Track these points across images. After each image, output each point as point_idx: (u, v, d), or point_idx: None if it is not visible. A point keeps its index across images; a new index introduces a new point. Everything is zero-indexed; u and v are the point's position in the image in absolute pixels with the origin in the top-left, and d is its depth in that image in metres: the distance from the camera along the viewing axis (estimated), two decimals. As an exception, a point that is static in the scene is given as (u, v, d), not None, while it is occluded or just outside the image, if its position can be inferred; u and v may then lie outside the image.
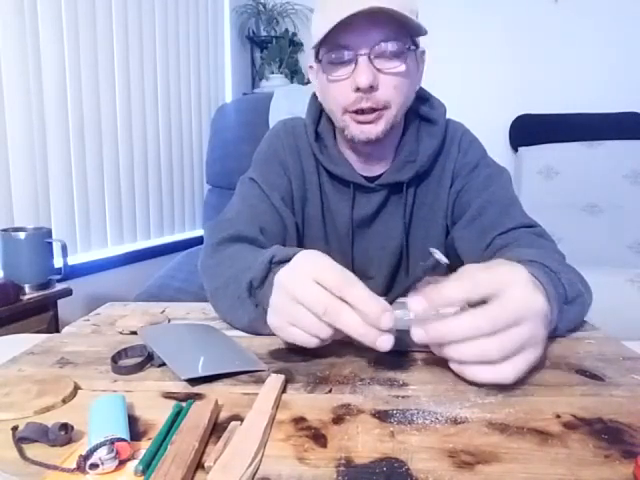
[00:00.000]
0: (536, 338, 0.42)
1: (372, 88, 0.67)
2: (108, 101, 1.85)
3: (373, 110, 0.69)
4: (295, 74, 2.62)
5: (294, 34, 2.68)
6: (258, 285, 0.55)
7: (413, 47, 0.70)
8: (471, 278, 0.42)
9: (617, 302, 1.43)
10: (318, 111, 0.83)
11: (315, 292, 0.43)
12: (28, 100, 1.53)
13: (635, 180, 2.05)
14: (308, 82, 2.54)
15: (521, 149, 2.28)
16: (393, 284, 0.84)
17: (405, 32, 0.68)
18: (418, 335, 0.43)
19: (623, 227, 2.02)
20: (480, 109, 2.28)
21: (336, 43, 0.67)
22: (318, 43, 0.69)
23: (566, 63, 2.39)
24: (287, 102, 1.95)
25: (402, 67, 0.68)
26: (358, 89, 0.67)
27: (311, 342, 0.45)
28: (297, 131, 0.85)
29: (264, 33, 2.68)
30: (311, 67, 0.78)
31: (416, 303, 0.42)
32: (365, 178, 0.79)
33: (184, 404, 0.39)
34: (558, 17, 2.37)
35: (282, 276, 0.47)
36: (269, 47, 2.62)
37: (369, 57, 0.66)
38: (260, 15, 2.67)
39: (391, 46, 0.67)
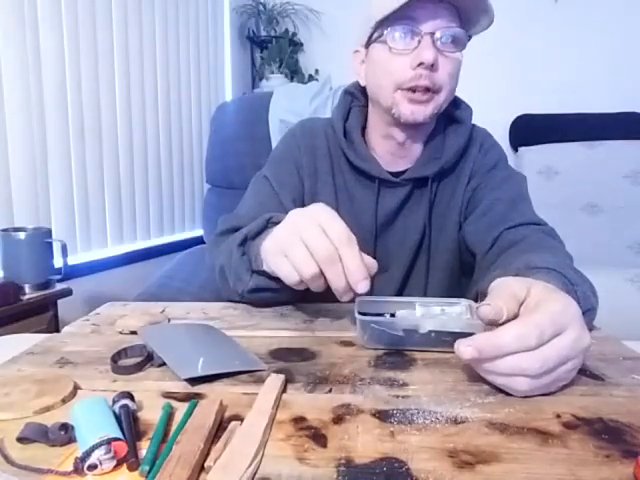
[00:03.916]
0: (575, 371, 0.43)
1: (433, 67, 0.69)
2: (108, 101, 1.85)
3: (427, 90, 0.71)
4: (295, 74, 2.62)
5: (294, 34, 2.68)
6: (252, 237, 0.64)
7: (469, 37, 0.72)
8: (528, 325, 0.40)
9: (617, 302, 1.42)
10: (347, 108, 0.85)
11: (320, 237, 0.47)
12: (28, 100, 1.53)
13: (635, 180, 2.05)
14: (308, 82, 2.54)
15: (521, 149, 2.28)
16: (409, 279, 0.84)
17: (463, 24, 0.70)
18: (468, 353, 0.40)
19: (623, 227, 2.02)
20: (480, 109, 2.27)
21: (405, 16, 0.69)
22: (380, 20, 0.70)
23: (566, 63, 2.39)
24: (287, 101, 1.95)
25: (459, 55, 0.72)
26: (419, 64, 0.69)
27: (292, 276, 0.50)
28: (315, 131, 0.86)
29: (264, 33, 2.68)
30: (357, 51, 0.79)
31: (465, 351, 0.41)
32: (391, 174, 0.81)
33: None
34: (558, 17, 2.37)
35: (294, 214, 0.52)
36: (269, 47, 2.62)
37: (433, 37, 0.68)
38: (260, 15, 2.67)
39: (455, 32, 0.70)
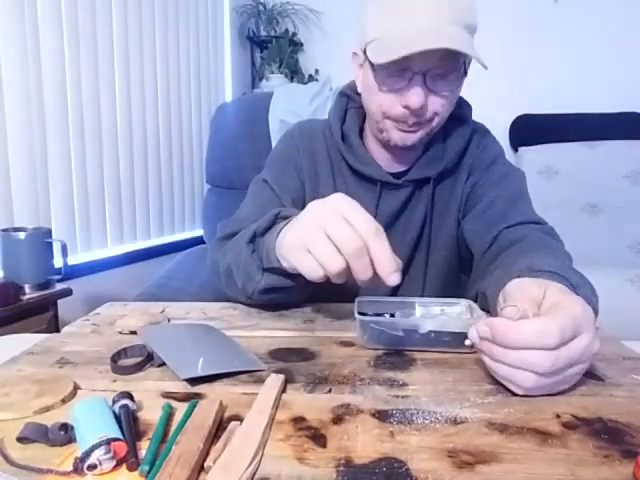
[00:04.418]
0: (580, 376, 0.43)
1: (421, 108, 0.67)
2: (108, 101, 1.85)
3: (416, 123, 0.70)
4: (295, 74, 2.62)
5: (294, 34, 2.68)
6: (260, 233, 0.62)
7: (465, 71, 0.69)
8: (550, 324, 0.39)
9: (617, 302, 1.42)
10: (343, 110, 0.83)
11: (346, 229, 0.45)
12: (28, 100, 1.53)
13: (635, 180, 2.05)
14: (308, 82, 2.54)
15: (521, 149, 2.28)
16: (406, 275, 0.84)
17: (462, 58, 0.67)
18: (483, 331, 0.42)
19: (623, 227, 2.02)
20: (480, 109, 2.28)
21: None
22: (373, 41, 0.67)
23: (566, 63, 2.39)
24: (287, 101, 1.95)
25: (453, 92, 0.70)
26: (407, 107, 0.67)
27: (316, 272, 0.47)
28: (313, 133, 0.85)
29: (264, 33, 2.68)
30: (355, 54, 0.76)
31: (481, 330, 0.42)
32: (391, 175, 0.80)
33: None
34: (558, 17, 2.36)
35: (314, 206, 0.50)
36: (269, 47, 2.62)
37: (424, 77, 0.66)
38: (260, 15, 2.67)
39: (447, 70, 0.67)
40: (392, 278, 0.46)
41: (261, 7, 2.66)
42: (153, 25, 2.06)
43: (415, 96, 0.66)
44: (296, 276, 0.55)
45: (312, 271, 0.48)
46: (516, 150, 2.33)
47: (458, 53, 0.64)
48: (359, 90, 0.78)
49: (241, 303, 0.71)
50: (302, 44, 2.71)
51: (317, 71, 2.67)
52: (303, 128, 0.87)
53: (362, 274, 0.46)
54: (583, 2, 2.33)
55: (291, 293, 0.64)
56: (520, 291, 0.46)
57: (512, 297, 0.46)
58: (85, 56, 1.73)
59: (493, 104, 2.40)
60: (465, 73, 0.69)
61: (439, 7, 0.64)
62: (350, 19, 2.56)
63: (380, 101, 0.70)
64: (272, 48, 2.59)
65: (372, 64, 0.68)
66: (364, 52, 0.71)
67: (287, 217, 0.59)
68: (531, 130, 2.32)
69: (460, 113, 0.80)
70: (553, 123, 2.29)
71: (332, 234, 0.46)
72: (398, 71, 0.66)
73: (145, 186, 2.08)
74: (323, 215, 0.47)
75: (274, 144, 0.91)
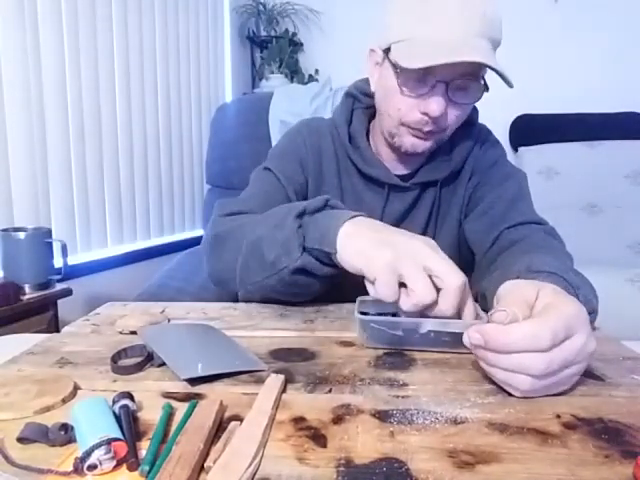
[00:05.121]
0: (577, 377, 0.43)
1: (440, 117, 0.68)
2: (108, 101, 1.85)
3: (431, 132, 0.71)
4: (295, 74, 2.62)
5: (294, 34, 2.68)
6: (311, 212, 0.60)
7: (484, 83, 0.69)
8: (542, 326, 0.39)
9: (617, 302, 1.42)
10: (350, 111, 0.83)
11: (450, 264, 0.48)
12: (28, 100, 1.53)
13: (635, 180, 2.05)
14: (308, 82, 2.54)
15: (521, 149, 2.28)
16: None
17: (483, 72, 0.67)
18: (475, 339, 0.42)
19: (623, 227, 2.02)
20: (480, 109, 2.28)
21: None
22: (400, 42, 0.67)
23: (566, 63, 2.39)
24: (287, 102, 1.95)
25: (470, 105, 0.71)
26: (426, 113, 0.67)
27: (394, 297, 0.48)
28: (321, 132, 0.84)
29: (264, 33, 2.68)
30: (373, 51, 0.74)
31: (473, 337, 0.42)
32: (398, 176, 0.80)
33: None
34: (558, 17, 2.36)
35: (402, 232, 0.52)
36: (269, 47, 2.62)
37: (447, 86, 0.66)
38: (260, 15, 2.67)
39: (469, 82, 0.67)
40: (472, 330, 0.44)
41: (261, 7, 2.66)
42: (153, 25, 2.06)
43: (436, 104, 0.66)
44: (331, 265, 0.57)
45: (391, 295, 0.48)
46: (516, 150, 2.33)
47: (481, 67, 0.64)
48: (372, 89, 0.77)
49: (236, 300, 0.71)
50: (302, 44, 2.71)
51: (317, 71, 2.67)
52: (311, 126, 0.86)
53: (449, 310, 0.47)
54: (583, 2, 2.33)
55: (316, 283, 0.62)
56: (513, 293, 0.46)
57: (505, 299, 0.46)
58: (85, 56, 1.73)
59: (493, 104, 2.39)
60: (487, 88, 0.69)
61: (471, 18, 0.63)
62: (350, 19, 2.56)
63: (399, 105, 0.70)
64: (272, 48, 2.59)
65: (395, 65, 0.68)
66: (384, 51, 0.70)
67: (336, 207, 0.61)
68: (531, 130, 2.32)
69: (469, 117, 0.80)
70: (553, 123, 2.29)
71: (434, 267, 0.47)
72: (422, 76, 0.66)
73: (145, 186, 2.08)
74: (419, 246, 0.50)
75: (274, 144, 0.90)
